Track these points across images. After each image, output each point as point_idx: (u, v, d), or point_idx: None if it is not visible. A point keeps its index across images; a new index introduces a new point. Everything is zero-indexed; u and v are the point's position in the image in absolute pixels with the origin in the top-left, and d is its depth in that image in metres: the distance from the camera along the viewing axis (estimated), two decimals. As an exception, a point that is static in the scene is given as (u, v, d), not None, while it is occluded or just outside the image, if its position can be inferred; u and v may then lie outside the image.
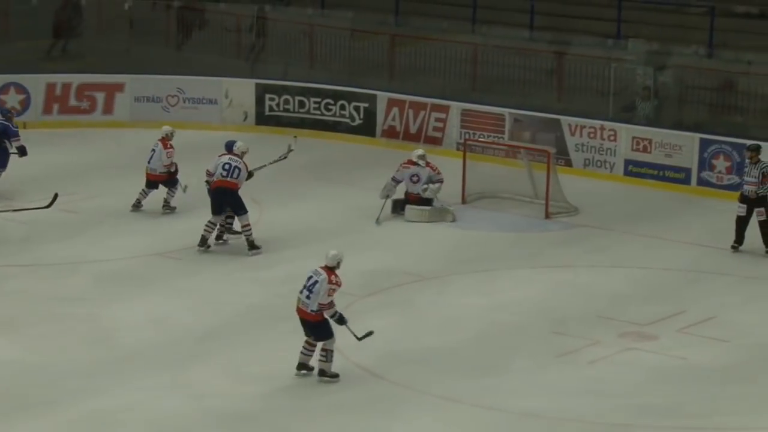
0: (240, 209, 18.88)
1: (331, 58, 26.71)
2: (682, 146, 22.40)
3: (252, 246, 18.98)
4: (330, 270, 14.60)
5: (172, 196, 20.72)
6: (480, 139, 23.44)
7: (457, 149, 23.66)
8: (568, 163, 23.10)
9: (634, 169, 22.79)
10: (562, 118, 23.50)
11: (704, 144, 22.22)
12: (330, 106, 25.43)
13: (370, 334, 14.99)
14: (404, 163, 20.93)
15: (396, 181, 20.82)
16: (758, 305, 17.26)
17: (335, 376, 14.81)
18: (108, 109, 26.18)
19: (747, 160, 19.42)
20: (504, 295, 17.69)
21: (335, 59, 26.64)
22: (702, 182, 22.14)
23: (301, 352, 14.83)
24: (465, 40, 25.83)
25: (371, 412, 14.22)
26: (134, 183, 20.96)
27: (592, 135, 23.19)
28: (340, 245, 14.85)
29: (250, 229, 18.96)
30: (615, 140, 23.03)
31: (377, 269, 18.32)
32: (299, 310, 14.68)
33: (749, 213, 19.19)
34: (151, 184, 20.74)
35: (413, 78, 25.66)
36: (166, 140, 20.68)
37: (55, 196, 16.96)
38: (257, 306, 17.09)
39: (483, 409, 14.35)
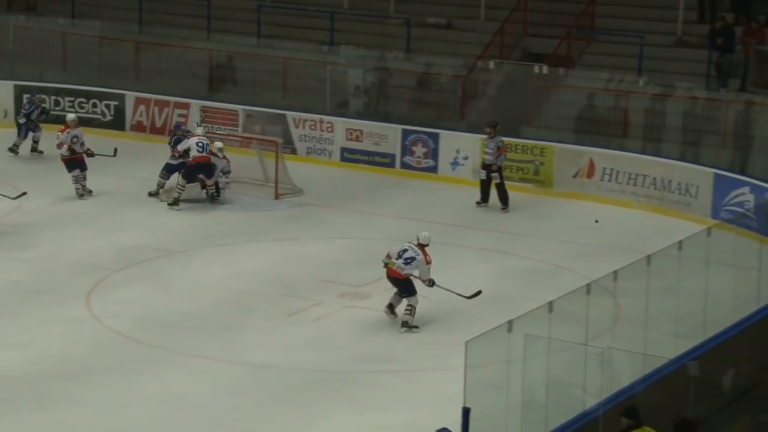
0: (210, 174, 20.15)
1: (83, 63, 26.00)
2: (387, 136, 22.75)
3: (213, 198, 20.26)
4: (423, 248, 15.35)
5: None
6: (218, 132, 23.22)
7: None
8: (294, 152, 23.15)
9: (349, 156, 23.02)
10: (287, 113, 23.53)
11: (405, 134, 22.62)
12: (83, 104, 24.76)
13: (478, 293, 14.65)
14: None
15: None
16: (450, 267, 17.61)
17: (416, 327, 15.16)
18: None
19: (486, 136, 20.38)
20: (241, 265, 17.64)
21: (86, 63, 25.94)
22: (404, 166, 22.55)
23: (392, 298, 15.51)
24: (202, 46, 25.58)
25: (127, 370, 13.97)
26: None
27: (312, 127, 23.31)
28: (98, 227, 14.58)
29: (215, 187, 20.30)
30: (332, 131, 23.21)
31: (131, 246, 17.97)
32: (392, 272, 15.32)
33: (488, 177, 20.37)
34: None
35: (157, 79, 25.25)
36: (66, 127, 20.41)
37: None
38: (20, 282, 16.51)
39: (224, 363, 14.29)
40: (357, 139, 22.96)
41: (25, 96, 23.22)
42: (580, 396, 11.83)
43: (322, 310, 15.96)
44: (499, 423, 11.37)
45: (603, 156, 21.00)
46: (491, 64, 23.70)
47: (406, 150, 22.54)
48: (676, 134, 21.38)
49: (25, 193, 17.25)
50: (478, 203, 20.54)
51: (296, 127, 23.39)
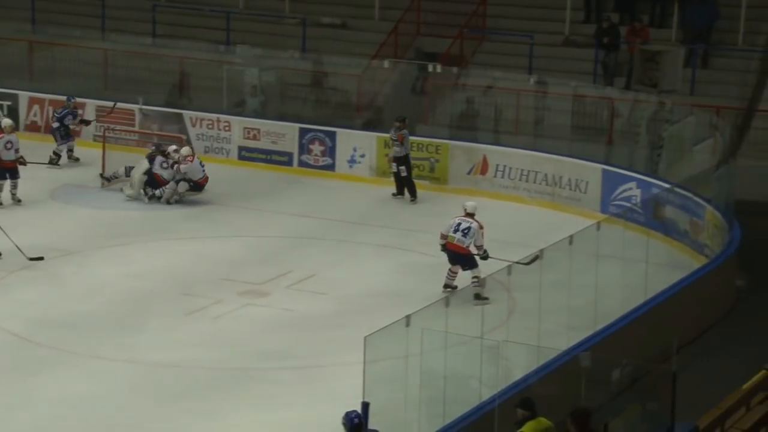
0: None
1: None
2: (285, 134, 22.64)
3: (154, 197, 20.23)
4: (472, 216, 15.85)
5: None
6: (124, 129, 22.85)
7: (94, 140, 23.09)
8: (185, 146, 22.84)
9: (247, 154, 22.85)
10: (184, 112, 23.28)
11: (303, 132, 22.53)
12: (-25, 105, 24.24)
13: (536, 258, 14.29)
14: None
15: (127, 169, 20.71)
16: (348, 264, 17.70)
17: (487, 298, 15.11)
18: None
19: (394, 129, 20.49)
20: (139, 264, 17.40)
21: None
22: (302, 164, 22.46)
23: (447, 277, 15.91)
24: (96, 46, 25.20)
25: (23, 372, 13.68)
26: None
27: (210, 126, 23.08)
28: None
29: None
30: (229, 130, 23.01)
31: (26, 247, 17.57)
32: (454, 246, 15.75)
33: (399, 170, 20.52)
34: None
35: (51, 79, 24.79)
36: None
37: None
38: None
39: (122, 362, 14.08)
40: (254, 138, 22.82)
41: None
42: (476, 388, 11.91)
43: (222, 308, 15.82)
44: (398, 417, 11.39)
45: (496, 153, 21.17)
46: (386, 64, 23.74)
47: (303, 148, 22.46)
48: (566, 131, 21.66)
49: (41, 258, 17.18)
50: (393, 195, 20.68)
51: (193, 126, 23.15)
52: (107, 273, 16.95)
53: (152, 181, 20.28)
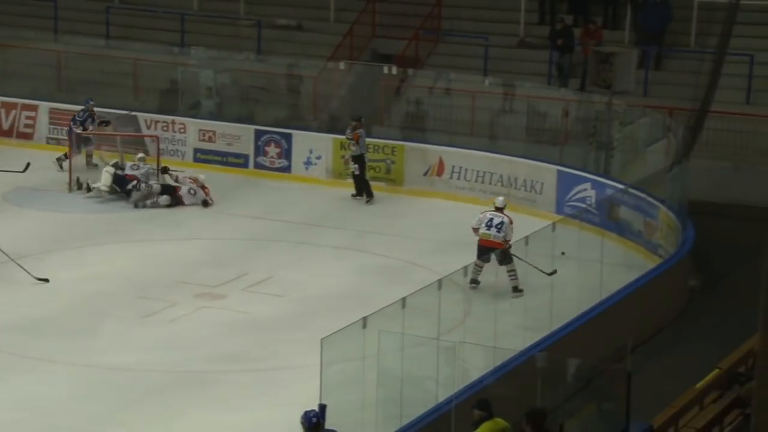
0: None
1: None
2: (240, 136, 22.58)
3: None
4: (502, 211, 16.19)
5: None
6: (97, 133, 22.58)
7: (47, 143, 22.91)
8: (146, 153, 22.72)
9: (202, 156, 22.74)
10: (138, 114, 23.14)
11: (258, 134, 22.48)
12: (-74, 108, 23.95)
13: (554, 272, 14.88)
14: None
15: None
16: (305, 265, 17.69)
17: (522, 290, 15.54)
18: None
19: (350, 129, 20.49)
20: (94, 267, 17.29)
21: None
22: (258, 166, 22.39)
23: (473, 271, 15.88)
24: (49, 48, 24.99)
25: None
26: None
27: (165, 128, 22.95)
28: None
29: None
30: (185, 132, 22.90)
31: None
32: (488, 242, 15.97)
33: (353, 168, 20.62)
34: None
35: (2, 81, 24.57)
36: None
37: (28, 164, 17.97)
38: None
39: (78, 366, 13.98)
40: (210, 140, 22.72)
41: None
42: (433, 389, 11.93)
43: (177, 311, 15.75)
44: (355, 418, 11.39)
45: (452, 154, 21.23)
46: (342, 65, 23.74)
47: (259, 150, 22.41)
48: (521, 133, 21.75)
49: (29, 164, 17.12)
50: (353, 196, 20.69)
51: (148, 128, 23.02)
52: (62, 277, 16.81)
53: (121, 179, 20.13)
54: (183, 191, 20.30)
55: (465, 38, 24.16)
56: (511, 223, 16.28)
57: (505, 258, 15.92)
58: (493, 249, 16.03)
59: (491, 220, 16.20)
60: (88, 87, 24.24)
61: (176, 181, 20.51)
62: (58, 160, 21.59)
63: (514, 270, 15.81)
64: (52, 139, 22.81)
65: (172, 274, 17.04)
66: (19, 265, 16.38)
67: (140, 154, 20.84)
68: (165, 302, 15.99)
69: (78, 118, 21.99)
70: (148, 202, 20.14)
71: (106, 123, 22.37)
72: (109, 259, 17.67)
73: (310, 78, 23.58)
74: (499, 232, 16.12)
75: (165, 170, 20.77)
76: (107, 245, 18.35)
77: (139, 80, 24.38)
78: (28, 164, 19.05)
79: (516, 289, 15.78)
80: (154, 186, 20.24)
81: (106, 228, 19.17)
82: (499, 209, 16.39)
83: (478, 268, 16.08)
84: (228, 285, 16.65)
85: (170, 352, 14.52)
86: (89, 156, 22.08)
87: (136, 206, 20.07)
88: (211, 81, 24.05)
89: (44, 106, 23.60)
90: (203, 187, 20.47)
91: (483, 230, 16.18)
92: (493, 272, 15.41)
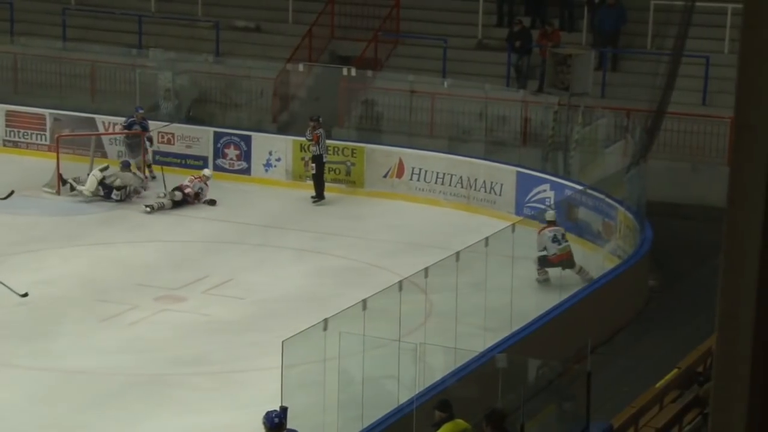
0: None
1: None
2: (199, 138, 22.48)
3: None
4: (554, 223, 16.45)
5: None
6: (79, 134, 22.40)
7: (4, 145, 22.72)
8: (104, 155, 22.62)
9: (161, 159, 22.62)
10: (96, 116, 22.99)
11: (217, 136, 22.41)
12: None
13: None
14: None
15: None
16: (266, 268, 17.65)
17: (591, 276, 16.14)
18: None
19: (309, 129, 20.46)
20: (52, 270, 17.15)
21: None
22: (217, 168, 22.29)
23: (540, 274, 16.37)
24: (5, 50, 24.78)
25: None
26: None
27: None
28: None
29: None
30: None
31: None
32: (567, 255, 16.24)
33: (311, 167, 20.56)
34: None
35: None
36: None
37: (11, 192, 17.23)
38: None
39: (37, 370, 13.87)
40: (169, 142, 22.61)
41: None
42: (394, 391, 11.95)
43: (137, 314, 15.66)
44: (317, 420, 11.38)
45: (411, 156, 21.26)
46: (300, 67, 23.71)
47: (218, 152, 22.33)
48: (480, 134, 21.82)
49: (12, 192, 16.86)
50: (312, 197, 20.59)
51: (106, 130, 22.87)
52: (20, 280, 16.65)
53: (106, 185, 20.23)
54: (190, 192, 20.26)
55: (424, 40, 24.21)
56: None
57: (570, 264, 16.40)
58: (570, 259, 16.34)
59: (555, 235, 16.39)
60: (45, 89, 24.09)
61: (183, 190, 20.36)
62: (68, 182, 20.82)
63: (580, 267, 16.34)
64: (9, 141, 22.61)
65: (132, 277, 16.94)
66: (2, 283, 15.88)
67: (208, 171, 20.93)
68: (125, 305, 15.91)
69: (124, 126, 21.77)
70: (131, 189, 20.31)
71: (150, 139, 21.84)
72: (69, 262, 17.54)
73: (269, 80, 23.54)
74: (566, 241, 16.43)
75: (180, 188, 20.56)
76: (66, 248, 18.21)
77: (96, 82, 24.23)
78: (12, 192, 18.85)
79: (585, 276, 16.21)
80: (176, 194, 20.21)
81: (66, 231, 19.03)
82: (552, 222, 16.58)
83: (544, 272, 16.43)
84: (188, 288, 16.59)
85: (130, 355, 14.44)
86: (149, 167, 21.59)
87: (151, 210, 19.97)
88: (170, 83, 23.94)
89: (1, 108, 23.40)
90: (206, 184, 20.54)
91: (556, 248, 16.28)
92: (453, 273, 15.43)
